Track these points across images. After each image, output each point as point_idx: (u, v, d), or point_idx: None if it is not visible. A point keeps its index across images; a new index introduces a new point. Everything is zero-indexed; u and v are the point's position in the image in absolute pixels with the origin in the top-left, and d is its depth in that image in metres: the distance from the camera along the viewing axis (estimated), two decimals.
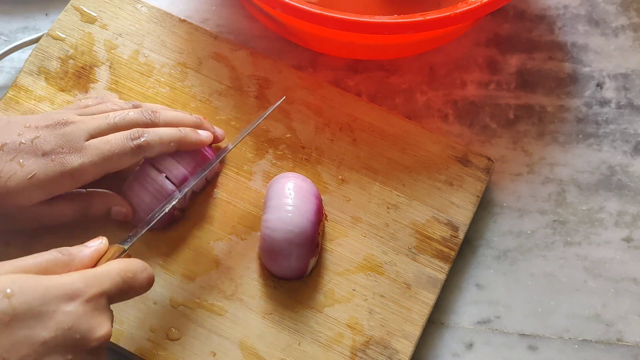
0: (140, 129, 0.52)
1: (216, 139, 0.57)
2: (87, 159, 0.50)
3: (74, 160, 0.50)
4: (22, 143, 0.50)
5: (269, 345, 0.53)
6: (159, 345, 0.53)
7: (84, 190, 0.54)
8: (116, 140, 0.51)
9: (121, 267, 0.44)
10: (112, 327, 0.43)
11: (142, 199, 0.54)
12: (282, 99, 0.58)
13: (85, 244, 0.46)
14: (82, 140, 0.51)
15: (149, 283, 0.46)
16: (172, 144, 0.53)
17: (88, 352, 0.40)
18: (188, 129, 0.55)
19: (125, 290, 0.44)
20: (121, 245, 0.47)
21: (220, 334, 0.53)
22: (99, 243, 0.46)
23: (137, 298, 0.53)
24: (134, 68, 0.61)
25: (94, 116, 0.53)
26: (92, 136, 0.51)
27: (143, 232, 0.50)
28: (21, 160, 0.49)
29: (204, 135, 0.56)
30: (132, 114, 0.53)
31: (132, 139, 0.52)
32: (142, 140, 0.52)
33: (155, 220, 0.51)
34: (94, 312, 0.41)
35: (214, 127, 0.58)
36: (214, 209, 0.57)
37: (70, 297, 0.40)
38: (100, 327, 0.41)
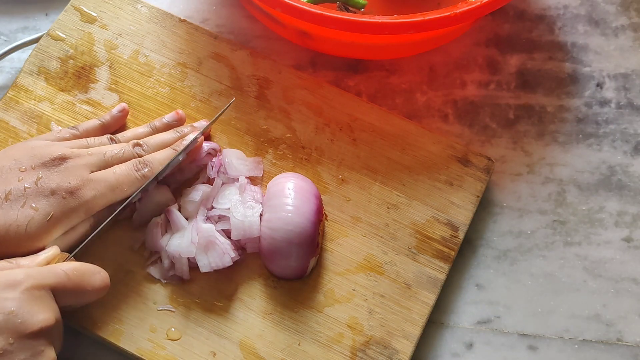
0: (141, 160, 0.54)
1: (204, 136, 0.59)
2: (97, 191, 0.52)
3: (86, 194, 0.51)
4: (27, 187, 0.50)
5: (269, 345, 0.53)
6: (159, 345, 0.53)
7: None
8: (122, 172, 0.53)
9: (68, 266, 0.48)
10: (55, 319, 0.45)
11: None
12: (232, 100, 0.59)
13: (37, 254, 0.49)
14: (87, 173, 0.52)
15: (102, 287, 0.49)
16: (172, 164, 0.55)
17: (30, 338, 0.43)
18: (181, 144, 0.56)
19: (73, 289, 0.47)
20: (65, 253, 0.51)
21: (220, 334, 0.53)
22: (47, 250, 0.50)
23: (137, 298, 0.54)
24: (134, 68, 0.61)
25: (90, 151, 0.54)
26: (92, 171, 0.53)
27: (90, 237, 0.52)
28: (34, 205, 0.50)
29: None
30: (124, 153, 0.55)
31: (136, 170, 0.53)
32: (147, 170, 0.54)
33: (105, 224, 0.52)
34: (36, 301, 0.44)
35: (195, 124, 0.59)
36: None
37: (11, 285, 0.44)
38: (40, 314, 0.44)
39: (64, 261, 0.49)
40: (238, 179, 0.56)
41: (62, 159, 0.52)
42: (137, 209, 0.55)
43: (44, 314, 0.44)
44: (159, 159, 0.55)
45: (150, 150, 0.56)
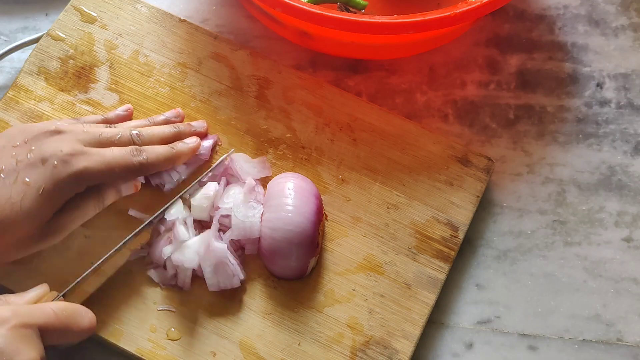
0: (138, 147, 0.53)
1: (201, 135, 0.58)
2: (90, 163, 0.50)
3: (78, 163, 0.50)
4: (19, 161, 0.49)
5: (269, 345, 0.53)
6: (159, 345, 0.53)
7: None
8: (119, 152, 0.52)
9: (58, 306, 0.47)
10: (40, 359, 0.44)
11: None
12: (231, 151, 0.58)
13: (27, 291, 0.49)
14: (80, 145, 0.51)
15: (89, 328, 0.49)
16: (168, 161, 0.55)
17: None
18: (179, 144, 0.56)
19: (61, 329, 0.47)
20: (54, 292, 0.50)
21: (220, 334, 0.53)
22: (37, 288, 0.49)
23: (137, 298, 0.54)
24: (134, 68, 0.61)
25: (85, 128, 0.53)
26: (86, 144, 0.52)
27: (80, 278, 0.51)
28: (27, 179, 0.49)
29: (192, 143, 0.57)
30: (120, 137, 0.54)
31: (132, 155, 0.52)
32: (143, 157, 0.53)
33: (99, 263, 0.52)
34: (22, 339, 0.44)
35: (192, 123, 0.59)
36: None
37: None
38: (25, 353, 0.43)
39: (52, 300, 0.49)
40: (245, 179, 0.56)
41: (56, 132, 0.51)
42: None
43: (29, 353, 0.43)
44: (157, 151, 0.54)
45: (147, 140, 0.55)
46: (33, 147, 0.50)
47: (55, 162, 0.49)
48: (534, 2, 0.69)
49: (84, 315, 0.49)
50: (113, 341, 0.53)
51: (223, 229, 0.55)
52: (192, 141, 0.57)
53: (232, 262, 0.53)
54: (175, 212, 0.55)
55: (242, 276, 0.54)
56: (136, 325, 0.53)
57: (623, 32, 0.68)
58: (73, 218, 0.52)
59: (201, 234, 0.54)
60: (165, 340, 0.53)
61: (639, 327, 0.58)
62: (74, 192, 0.51)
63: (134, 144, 0.54)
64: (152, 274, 0.54)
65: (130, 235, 0.53)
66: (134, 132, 0.54)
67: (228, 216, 0.54)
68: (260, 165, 0.58)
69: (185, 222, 0.55)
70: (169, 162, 0.55)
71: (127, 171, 0.52)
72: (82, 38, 0.62)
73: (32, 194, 0.48)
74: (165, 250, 0.53)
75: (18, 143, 0.50)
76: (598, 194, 0.62)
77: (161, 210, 0.55)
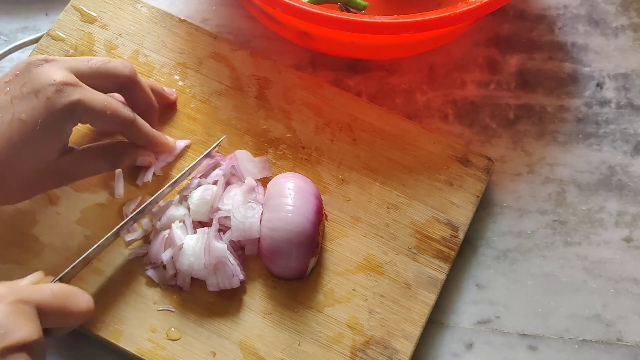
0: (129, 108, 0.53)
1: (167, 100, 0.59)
2: (84, 96, 0.49)
3: (73, 93, 0.49)
4: (13, 97, 0.48)
5: (269, 345, 0.53)
6: (159, 345, 0.53)
7: (109, 141, 0.55)
8: (113, 100, 0.52)
9: (55, 286, 0.47)
10: (38, 337, 0.44)
11: None
12: (222, 138, 0.59)
13: (22, 278, 0.49)
14: (73, 76, 0.50)
15: (87, 310, 0.48)
16: (151, 139, 0.55)
17: (11, 350, 0.42)
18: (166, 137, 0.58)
19: (58, 309, 0.46)
20: (50, 276, 0.50)
21: (220, 334, 0.53)
22: (33, 275, 0.49)
23: (137, 298, 0.54)
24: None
25: (75, 58, 0.52)
26: (75, 73, 0.50)
27: (74, 264, 0.51)
28: (23, 115, 0.48)
29: (171, 94, 0.60)
30: (112, 63, 0.53)
31: (124, 108, 0.52)
32: (132, 114, 0.53)
33: (91, 251, 0.52)
34: (20, 315, 0.43)
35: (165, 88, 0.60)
36: None
37: None
38: (23, 328, 0.43)
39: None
40: (245, 179, 0.56)
41: (45, 60, 0.50)
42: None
43: (28, 329, 0.43)
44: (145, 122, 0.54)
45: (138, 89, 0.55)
46: (25, 80, 0.49)
47: (49, 93, 0.48)
48: (534, 2, 0.69)
49: (82, 297, 0.48)
50: (113, 341, 0.53)
51: (223, 229, 0.55)
52: (170, 91, 0.59)
53: (232, 262, 0.53)
54: (173, 213, 0.55)
55: (242, 276, 0.54)
56: (136, 325, 0.53)
57: (623, 32, 0.68)
58: (85, 166, 0.52)
59: (200, 233, 0.54)
60: (165, 340, 0.53)
61: (639, 327, 0.58)
62: (70, 125, 0.50)
63: (124, 75, 0.53)
64: (152, 273, 0.54)
65: (127, 219, 0.53)
66: (127, 65, 0.54)
67: (228, 217, 0.54)
68: (261, 165, 0.58)
69: (184, 223, 0.55)
70: (151, 140, 0.55)
71: (117, 118, 0.51)
72: (82, 38, 0.62)
73: (28, 131, 0.48)
74: (165, 255, 0.53)
75: (9, 78, 0.49)
76: (598, 194, 0.62)
77: (157, 194, 0.54)
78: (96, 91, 0.51)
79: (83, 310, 0.48)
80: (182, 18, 0.63)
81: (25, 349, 0.43)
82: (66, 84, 0.49)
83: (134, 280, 0.54)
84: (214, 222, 0.54)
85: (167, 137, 0.58)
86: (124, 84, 0.54)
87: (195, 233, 0.54)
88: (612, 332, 0.58)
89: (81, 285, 0.53)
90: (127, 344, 0.53)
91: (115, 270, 0.55)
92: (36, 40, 0.63)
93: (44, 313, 0.45)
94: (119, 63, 0.53)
